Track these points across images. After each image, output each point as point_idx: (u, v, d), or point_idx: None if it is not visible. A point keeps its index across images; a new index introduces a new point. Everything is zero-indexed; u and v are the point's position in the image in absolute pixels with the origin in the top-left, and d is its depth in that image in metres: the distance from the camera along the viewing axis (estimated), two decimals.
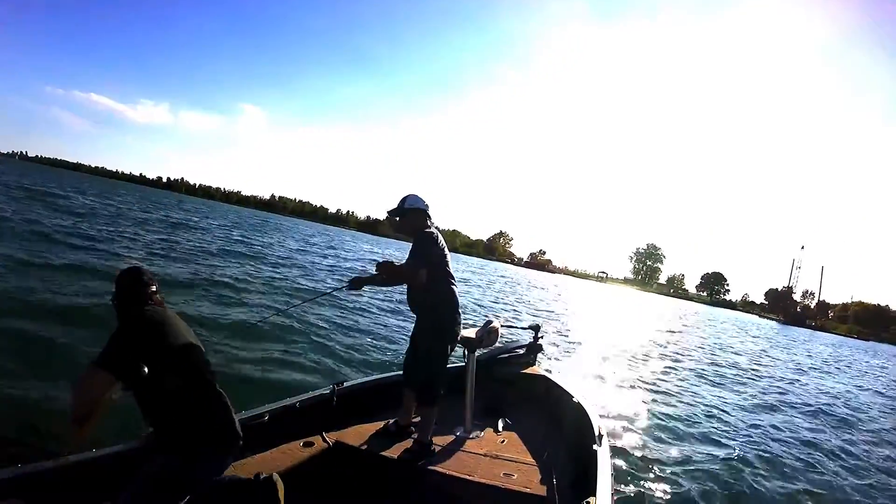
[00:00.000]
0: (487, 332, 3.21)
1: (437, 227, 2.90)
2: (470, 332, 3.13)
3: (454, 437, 3.03)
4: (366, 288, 3.09)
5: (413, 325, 3.00)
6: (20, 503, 1.72)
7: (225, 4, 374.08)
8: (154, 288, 1.95)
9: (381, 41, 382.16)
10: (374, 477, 2.67)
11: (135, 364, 1.68)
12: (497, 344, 3.44)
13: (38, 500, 1.80)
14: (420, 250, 2.73)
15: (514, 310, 15.78)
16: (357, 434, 2.91)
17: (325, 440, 2.83)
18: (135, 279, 1.93)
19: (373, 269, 2.85)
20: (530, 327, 4.36)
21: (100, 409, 1.63)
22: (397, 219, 2.87)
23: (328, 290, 3.32)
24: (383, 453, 2.72)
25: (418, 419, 2.90)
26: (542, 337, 4.26)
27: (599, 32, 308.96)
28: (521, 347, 4.20)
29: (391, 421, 3.00)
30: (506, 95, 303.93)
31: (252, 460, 2.51)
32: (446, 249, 2.85)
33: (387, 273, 2.80)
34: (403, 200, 2.86)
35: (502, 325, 3.45)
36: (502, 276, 37.55)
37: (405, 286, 2.91)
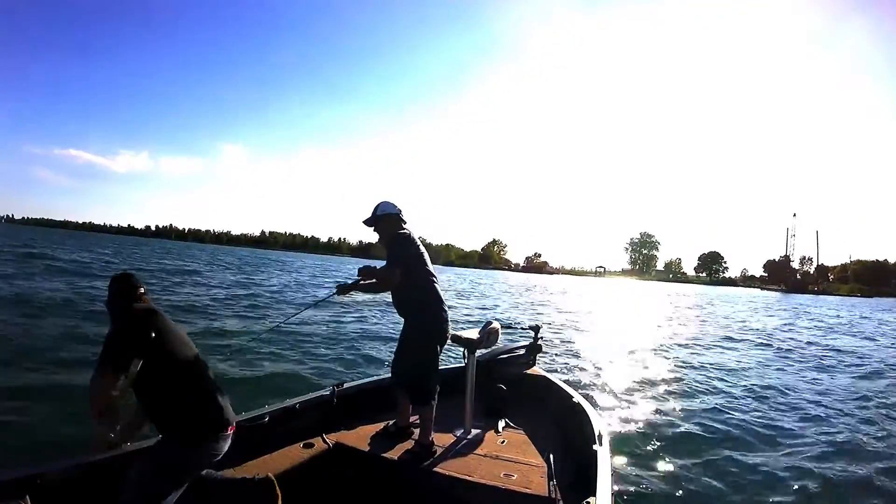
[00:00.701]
0: (487, 334, 3.23)
1: (415, 234, 2.93)
2: (470, 334, 3.15)
3: (454, 437, 3.04)
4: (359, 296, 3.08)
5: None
6: (21, 503, 1.75)
7: (193, 45, 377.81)
8: (143, 290, 2.17)
9: (363, 56, 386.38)
10: (374, 478, 2.68)
11: (132, 355, 1.90)
12: (497, 344, 3.46)
13: (39, 500, 1.82)
14: (394, 252, 2.80)
15: (515, 315, 15.76)
16: (357, 435, 2.93)
17: (325, 441, 2.83)
18: (124, 281, 2.15)
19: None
20: (530, 328, 4.36)
21: (114, 402, 1.91)
22: (373, 228, 2.92)
23: (320, 300, 3.42)
24: (383, 454, 2.73)
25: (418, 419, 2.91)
26: (542, 337, 4.27)
27: (583, 22, 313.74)
28: (521, 348, 4.21)
29: (391, 422, 3.03)
30: (492, 101, 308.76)
31: (252, 462, 2.51)
32: (422, 248, 2.89)
33: (366, 276, 2.85)
34: (375, 209, 2.91)
35: (502, 326, 3.46)
36: (504, 283, 37.38)
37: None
